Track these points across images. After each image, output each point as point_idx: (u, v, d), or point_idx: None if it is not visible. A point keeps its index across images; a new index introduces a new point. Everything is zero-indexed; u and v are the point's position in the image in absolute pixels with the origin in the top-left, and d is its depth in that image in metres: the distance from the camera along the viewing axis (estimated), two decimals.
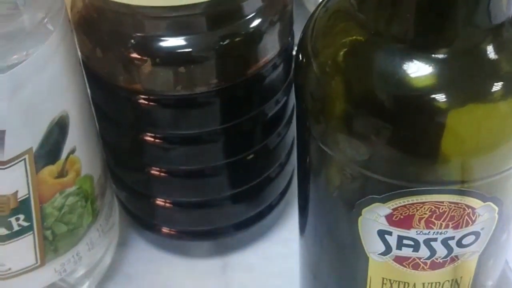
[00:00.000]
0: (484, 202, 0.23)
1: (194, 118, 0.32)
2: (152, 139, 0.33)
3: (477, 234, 0.24)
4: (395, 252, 0.25)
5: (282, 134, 0.36)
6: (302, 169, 0.28)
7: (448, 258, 0.25)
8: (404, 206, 0.23)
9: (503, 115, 0.22)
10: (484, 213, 0.24)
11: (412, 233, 0.24)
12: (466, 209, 0.23)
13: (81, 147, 0.31)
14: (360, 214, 0.24)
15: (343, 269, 0.28)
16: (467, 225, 0.24)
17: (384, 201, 0.23)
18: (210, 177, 0.35)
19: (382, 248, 0.25)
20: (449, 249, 0.24)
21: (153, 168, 0.34)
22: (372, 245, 0.25)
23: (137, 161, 0.35)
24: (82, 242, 0.33)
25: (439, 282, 0.26)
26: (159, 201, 0.36)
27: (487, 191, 0.23)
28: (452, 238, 0.24)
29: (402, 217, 0.24)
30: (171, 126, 0.32)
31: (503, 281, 0.33)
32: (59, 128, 0.30)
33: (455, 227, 0.24)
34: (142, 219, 0.38)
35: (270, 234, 0.39)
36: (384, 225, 0.24)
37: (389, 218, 0.24)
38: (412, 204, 0.23)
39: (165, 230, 0.37)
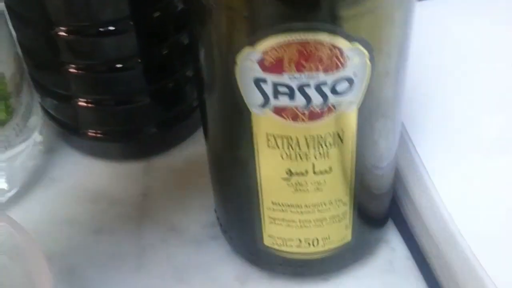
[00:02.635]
0: (351, 43, 0.24)
1: (110, 6, 0.32)
2: (66, 34, 0.33)
3: (350, 81, 0.25)
4: (273, 102, 0.25)
5: None
6: (193, 41, 0.28)
7: (325, 107, 0.25)
8: (273, 48, 0.24)
9: None
10: (354, 57, 0.24)
11: (285, 78, 0.25)
12: (333, 49, 0.24)
13: None
14: (236, 63, 0.25)
15: (230, 130, 0.28)
16: (337, 68, 0.24)
17: (253, 43, 0.24)
18: (126, 71, 0.35)
19: (260, 99, 0.25)
20: (324, 96, 0.25)
21: (71, 65, 0.35)
22: (252, 97, 0.26)
23: (54, 61, 0.35)
24: None
25: (321, 135, 0.26)
26: (81, 102, 0.36)
27: (352, 30, 0.24)
28: (325, 83, 0.25)
29: (273, 61, 0.24)
30: (86, 18, 0.33)
31: (403, 148, 0.33)
32: None
33: (326, 70, 0.24)
34: (66, 123, 0.39)
35: (193, 136, 0.40)
36: (259, 72, 0.25)
37: (261, 63, 0.24)
38: (280, 45, 0.24)
39: (89, 133, 0.38)
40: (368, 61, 0.25)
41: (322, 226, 0.30)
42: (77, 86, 0.36)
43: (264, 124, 0.26)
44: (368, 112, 0.27)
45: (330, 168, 0.28)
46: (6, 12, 0.34)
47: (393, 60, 0.26)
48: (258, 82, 0.25)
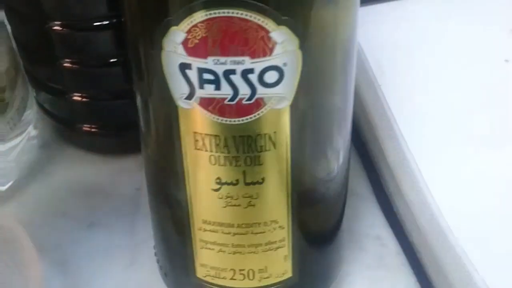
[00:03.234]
0: (278, 24, 0.22)
1: (105, 0, 0.32)
2: (60, 29, 0.33)
3: (279, 71, 0.23)
4: (198, 92, 0.24)
5: None
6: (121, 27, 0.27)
7: (253, 99, 0.24)
8: (196, 26, 0.23)
9: None
10: (282, 41, 0.23)
11: (209, 63, 0.23)
12: (259, 30, 0.22)
13: None
14: (162, 48, 0.23)
15: (159, 131, 0.27)
16: (264, 55, 0.23)
17: (177, 22, 0.23)
18: (120, 65, 0.35)
19: (186, 89, 0.24)
20: (251, 86, 0.23)
21: (65, 60, 0.35)
22: (177, 87, 0.24)
23: (48, 55, 0.35)
24: None
25: (251, 136, 0.25)
26: (75, 97, 0.36)
27: (278, 8, 0.22)
28: (252, 71, 0.23)
29: (197, 41, 0.23)
30: (80, 12, 0.33)
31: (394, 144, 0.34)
32: None
33: (252, 55, 0.23)
34: (61, 118, 0.39)
35: None
36: (183, 56, 0.23)
37: (185, 44, 0.23)
38: (203, 22, 0.22)
39: (83, 127, 0.38)
40: (298, 50, 0.23)
41: (257, 253, 0.27)
42: (72, 80, 0.36)
43: (191, 121, 0.25)
44: (303, 113, 0.25)
45: (263, 179, 0.26)
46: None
47: (330, 55, 0.25)
48: (183, 68, 0.24)
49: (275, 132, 0.25)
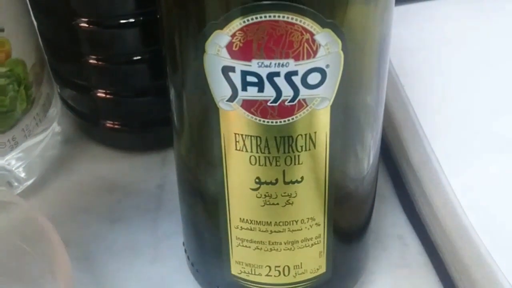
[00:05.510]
0: (323, 27, 0.23)
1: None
2: (87, 25, 0.34)
3: (322, 73, 0.24)
4: (241, 94, 0.24)
5: None
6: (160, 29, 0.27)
7: (296, 101, 0.24)
8: (241, 29, 0.23)
9: None
10: (326, 44, 0.23)
11: (254, 65, 0.23)
12: (304, 33, 0.23)
13: (11, 29, 0.32)
14: (204, 51, 0.24)
15: (198, 132, 0.27)
16: (308, 57, 0.23)
17: (222, 26, 0.23)
18: (144, 63, 0.35)
19: (229, 91, 0.24)
20: (295, 88, 0.24)
21: (91, 56, 0.35)
22: (220, 89, 0.24)
23: (74, 51, 0.35)
24: (17, 127, 0.35)
25: (292, 137, 0.25)
26: (100, 93, 0.37)
27: (323, 11, 0.23)
28: (296, 73, 0.24)
29: (241, 44, 0.23)
30: (107, 10, 0.33)
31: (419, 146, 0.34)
32: None
33: (296, 58, 0.23)
34: (85, 114, 0.39)
35: None
36: (227, 59, 0.24)
37: (229, 48, 0.23)
38: (249, 26, 0.23)
39: (107, 124, 0.38)
40: (341, 52, 0.24)
41: (293, 250, 0.28)
42: (96, 77, 0.36)
43: (232, 122, 0.25)
44: (342, 113, 0.25)
45: (302, 178, 0.26)
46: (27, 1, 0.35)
47: (368, 55, 0.25)
48: (226, 71, 0.24)
49: (315, 132, 0.25)
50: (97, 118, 0.39)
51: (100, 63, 0.35)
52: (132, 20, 0.34)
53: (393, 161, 0.37)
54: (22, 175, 0.37)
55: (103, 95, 0.37)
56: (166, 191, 0.38)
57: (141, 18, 0.34)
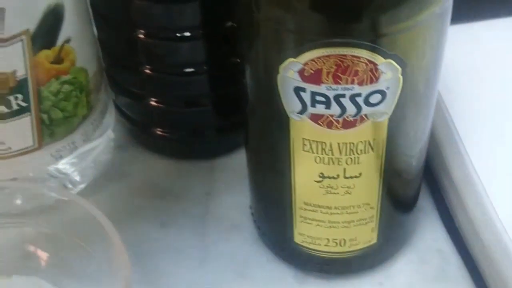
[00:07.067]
0: (385, 58, 0.26)
1: (189, 14, 0.34)
2: (145, 37, 0.35)
3: (383, 93, 0.27)
4: (310, 110, 0.27)
5: None
6: (241, 53, 0.30)
7: (358, 116, 0.27)
8: (313, 60, 0.26)
9: None
10: (387, 71, 0.26)
11: (322, 88, 0.27)
12: (369, 64, 0.26)
13: (76, 39, 0.34)
14: (278, 72, 0.27)
15: (269, 135, 0.30)
16: (371, 82, 0.26)
17: (296, 55, 0.26)
18: (196, 75, 0.37)
19: (299, 106, 0.28)
20: (358, 106, 0.27)
21: (147, 66, 0.37)
22: (291, 104, 0.28)
23: (132, 61, 0.37)
24: (77, 132, 0.36)
25: (353, 143, 0.28)
26: (153, 102, 0.38)
27: (387, 47, 0.25)
28: (359, 95, 0.27)
29: (312, 72, 0.26)
30: (165, 23, 0.35)
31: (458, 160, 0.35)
32: (55, 15, 0.32)
33: (360, 83, 0.26)
34: (137, 121, 0.41)
35: None
36: (298, 81, 0.27)
37: (301, 73, 0.26)
38: (320, 57, 0.26)
39: (157, 131, 0.40)
40: (400, 76, 0.27)
41: (349, 227, 0.32)
42: (151, 86, 0.38)
43: (301, 129, 0.28)
44: (398, 123, 0.29)
45: (360, 174, 0.30)
46: (90, 12, 0.36)
47: (424, 75, 0.28)
48: (297, 91, 0.27)
49: (374, 139, 0.29)
50: (148, 126, 0.40)
51: (155, 73, 0.37)
52: (187, 34, 0.35)
53: (433, 175, 0.38)
54: (77, 178, 0.38)
55: (156, 104, 0.38)
56: (213, 199, 0.39)
57: (196, 33, 0.35)
